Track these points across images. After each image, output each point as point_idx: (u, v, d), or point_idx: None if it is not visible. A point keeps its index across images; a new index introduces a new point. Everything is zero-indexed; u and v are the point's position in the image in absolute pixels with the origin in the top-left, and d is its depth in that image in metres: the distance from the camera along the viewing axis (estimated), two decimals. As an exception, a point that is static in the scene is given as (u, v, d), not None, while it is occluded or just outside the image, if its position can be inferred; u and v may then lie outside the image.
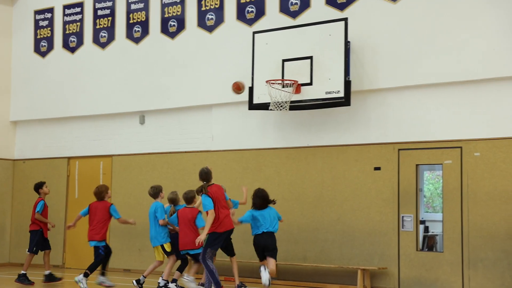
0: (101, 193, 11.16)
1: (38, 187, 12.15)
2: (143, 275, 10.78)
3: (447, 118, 11.02)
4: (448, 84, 11.01)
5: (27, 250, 12.01)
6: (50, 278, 11.91)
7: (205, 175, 9.76)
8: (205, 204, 9.44)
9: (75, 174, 15.01)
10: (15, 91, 15.75)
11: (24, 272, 11.79)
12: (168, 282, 10.57)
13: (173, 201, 11.14)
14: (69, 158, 15.13)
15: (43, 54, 15.53)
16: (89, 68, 14.88)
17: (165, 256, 10.75)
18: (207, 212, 9.45)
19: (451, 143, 10.92)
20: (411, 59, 11.24)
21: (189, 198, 10.60)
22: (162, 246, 10.66)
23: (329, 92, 11.28)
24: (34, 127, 15.67)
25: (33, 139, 15.66)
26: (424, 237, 12.16)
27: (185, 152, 13.64)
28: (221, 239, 9.58)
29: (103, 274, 11.11)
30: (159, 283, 10.53)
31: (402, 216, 11.19)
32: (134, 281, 10.77)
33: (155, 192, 10.92)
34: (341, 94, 11.14)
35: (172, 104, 13.75)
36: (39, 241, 11.93)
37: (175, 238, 10.74)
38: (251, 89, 12.08)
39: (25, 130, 15.80)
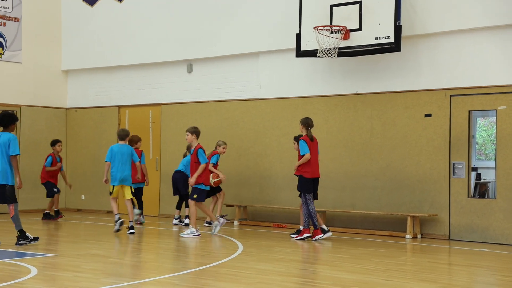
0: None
1: (51, 144, 13.70)
2: (130, 221, 11.21)
3: (501, 62, 10.68)
4: (502, 27, 10.62)
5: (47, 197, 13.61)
6: (48, 216, 13.55)
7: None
8: None
9: (125, 123, 15.25)
10: (65, 41, 15.95)
11: (48, 212, 13.57)
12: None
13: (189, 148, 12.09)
14: (119, 106, 15.36)
15: (92, 3, 15.61)
16: (136, 17, 14.91)
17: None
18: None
19: (506, 88, 10.61)
20: (464, 1, 10.87)
21: None
22: (131, 187, 11.36)
23: (379, 38, 11.04)
24: (84, 76, 15.90)
25: (84, 88, 15.92)
26: (476, 184, 11.99)
27: (233, 100, 13.65)
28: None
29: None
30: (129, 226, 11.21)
31: (453, 163, 11.02)
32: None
33: (126, 134, 11.61)
34: (391, 40, 10.89)
35: (219, 52, 13.70)
36: (52, 187, 13.47)
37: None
38: (298, 36, 11.91)
39: (76, 79, 16.05)
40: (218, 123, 13.80)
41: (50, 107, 15.69)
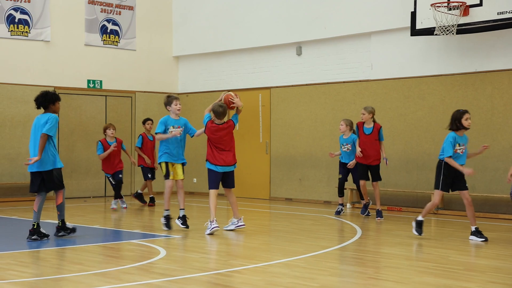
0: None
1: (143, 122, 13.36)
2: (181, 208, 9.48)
3: None
4: None
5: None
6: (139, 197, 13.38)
7: None
8: None
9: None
10: (176, 27, 16.31)
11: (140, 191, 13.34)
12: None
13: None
14: (228, 91, 15.47)
15: (200, -11, 15.85)
16: (245, 0, 14.99)
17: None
18: None
19: None
20: None
21: None
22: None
23: (502, 13, 10.51)
24: (194, 61, 16.21)
25: (195, 73, 16.24)
26: None
27: (343, 82, 13.48)
28: None
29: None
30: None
31: None
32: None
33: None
34: (515, 14, 10.35)
35: (329, 33, 13.54)
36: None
37: None
38: (413, 14, 11.55)
39: (187, 65, 16.40)
40: (329, 105, 13.68)
41: (162, 93, 16.12)
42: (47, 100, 8.42)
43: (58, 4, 14.44)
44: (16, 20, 13.87)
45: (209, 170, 9.18)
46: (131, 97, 15.62)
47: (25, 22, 13.98)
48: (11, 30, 13.83)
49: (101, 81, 15.12)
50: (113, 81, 15.30)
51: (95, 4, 14.95)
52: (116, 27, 15.26)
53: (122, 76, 15.44)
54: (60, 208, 8.50)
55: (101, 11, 15.05)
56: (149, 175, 13.01)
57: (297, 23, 14.03)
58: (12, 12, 13.84)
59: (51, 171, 8.32)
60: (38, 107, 8.52)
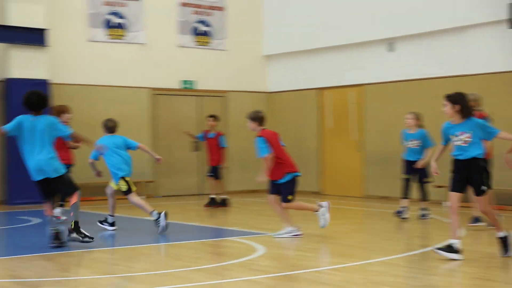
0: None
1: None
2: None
3: None
4: None
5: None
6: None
7: None
8: None
9: (327, 105, 15.32)
10: (266, 26, 16.41)
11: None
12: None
13: None
14: (319, 89, 15.48)
15: (291, -13, 15.87)
16: (336, -3, 14.91)
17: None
18: None
19: None
20: None
21: None
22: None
23: None
24: (284, 60, 16.24)
25: (284, 72, 16.27)
26: None
27: (438, 77, 13.13)
28: None
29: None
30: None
31: None
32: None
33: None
34: None
35: (423, 28, 13.21)
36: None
37: None
38: (511, 6, 11.10)
39: (277, 63, 16.45)
40: (424, 101, 13.32)
41: (253, 92, 16.28)
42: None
43: (152, 7, 14.87)
44: (113, 24, 14.39)
45: (295, 179, 8.49)
46: (224, 96, 15.86)
47: (122, 26, 14.49)
48: (110, 34, 14.37)
49: (194, 82, 15.45)
50: (205, 81, 15.60)
51: (187, 6, 15.29)
52: (208, 28, 15.54)
53: (214, 76, 15.71)
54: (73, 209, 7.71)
55: (193, 13, 15.37)
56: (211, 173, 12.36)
57: (389, 18, 13.78)
58: (110, 17, 14.37)
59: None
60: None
